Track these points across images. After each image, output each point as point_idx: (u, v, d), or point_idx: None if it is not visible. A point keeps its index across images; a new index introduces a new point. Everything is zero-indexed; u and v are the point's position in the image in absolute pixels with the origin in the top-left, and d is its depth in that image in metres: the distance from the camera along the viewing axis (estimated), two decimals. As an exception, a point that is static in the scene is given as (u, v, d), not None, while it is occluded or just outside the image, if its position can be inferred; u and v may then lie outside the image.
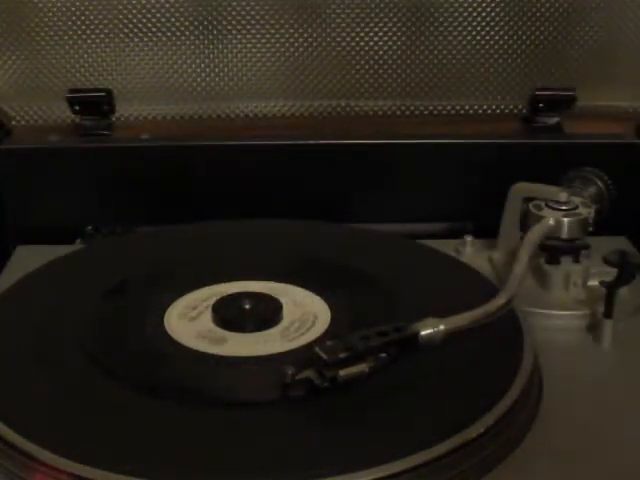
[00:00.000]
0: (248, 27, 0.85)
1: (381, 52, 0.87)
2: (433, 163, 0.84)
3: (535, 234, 0.69)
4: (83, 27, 0.85)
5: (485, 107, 0.89)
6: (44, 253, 0.74)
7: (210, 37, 0.86)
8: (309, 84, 0.88)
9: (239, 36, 0.86)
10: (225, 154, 0.84)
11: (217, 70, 0.87)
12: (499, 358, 0.58)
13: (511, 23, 0.86)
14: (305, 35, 0.86)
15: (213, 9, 0.85)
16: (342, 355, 0.51)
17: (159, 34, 0.85)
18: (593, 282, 0.70)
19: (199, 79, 0.87)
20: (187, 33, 0.85)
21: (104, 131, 0.86)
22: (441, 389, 0.55)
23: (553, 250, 0.71)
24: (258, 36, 0.86)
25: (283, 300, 0.64)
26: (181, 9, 0.84)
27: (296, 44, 0.86)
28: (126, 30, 0.85)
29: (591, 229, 0.72)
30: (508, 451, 0.52)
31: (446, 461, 0.49)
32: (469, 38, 0.86)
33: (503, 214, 0.76)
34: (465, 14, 0.86)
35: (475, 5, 0.86)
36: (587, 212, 0.71)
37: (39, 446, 0.49)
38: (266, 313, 0.62)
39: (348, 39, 0.86)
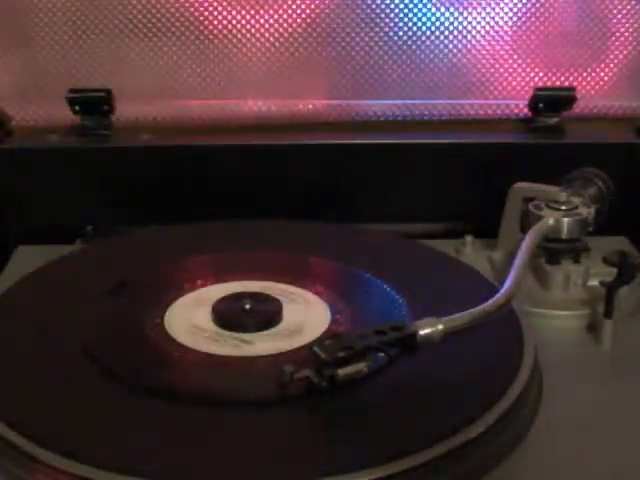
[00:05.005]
0: (247, 27, 0.85)
1: (381, 52, 0.87)
2: (433, 163, 0.84)
3: (535, 234, 0.69)
4: (83, 27, 0.84)
5: (485, 107, 0.89)
6: (44, 253, 0.75)
7: (210, 37, 0.85)
8: (309, 84, 0.88)
9: (239, 35, 0.86)
10: (225, 154, 0.84)
11: (217, 70, 0.87)
12: (499, 358, 0.58)
13: (510, 24, 0.86)
14: (305, 35, 0.86)
15: (214, 9, 0.85)
16: (340, 354, 0.51)
17: (159, 34, 0.85)
18: (593, 282, 0.70)
19: (199, 79, 0.87)
20: (187, 33, 0.85)
21: (104, 131, 0.86)
22: (441, 389, 0.55)
23: (553, 250, 0.71)
24: (257, 35, 0.86)
25: (283, 300, 0.64)
26: (181, 9, 0.84)
27: (295, 44, 0.86)
28: (126, 30, 0.85)
29: (591, 229, 0.72)
30: (508, 451, 0.52)
31: (446, 461, 0.49)
32: (469, 38, 0.86)
33: (503, 214, 0.76)
34: (465, 14, 0.86)
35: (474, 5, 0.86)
36: (587, 212, 0.71)
37: (39, 446, 0.49)
38: (266, 313, 0.62)
39: (348, 39, 0.86)
